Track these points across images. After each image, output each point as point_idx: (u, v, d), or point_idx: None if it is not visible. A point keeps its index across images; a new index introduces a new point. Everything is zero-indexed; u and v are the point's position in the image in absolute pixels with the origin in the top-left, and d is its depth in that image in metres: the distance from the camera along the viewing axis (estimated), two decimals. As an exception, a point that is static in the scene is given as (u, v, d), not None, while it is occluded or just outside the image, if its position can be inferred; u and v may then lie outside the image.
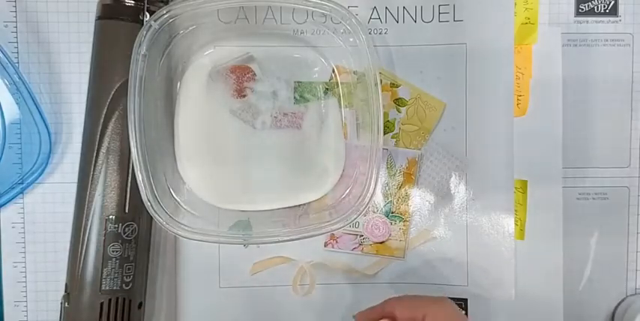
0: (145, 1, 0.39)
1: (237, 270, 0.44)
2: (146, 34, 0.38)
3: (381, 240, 0.44)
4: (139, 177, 0.38)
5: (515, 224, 0.44)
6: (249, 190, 0.43)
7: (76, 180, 0.40)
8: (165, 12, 0.40)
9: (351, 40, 0.42)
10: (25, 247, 0.44)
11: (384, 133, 0.44)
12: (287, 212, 0.43)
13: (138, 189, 0.38)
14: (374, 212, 0.44)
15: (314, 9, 0.40)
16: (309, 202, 0.43)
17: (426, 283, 0.44)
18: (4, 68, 0.42)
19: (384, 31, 0.43)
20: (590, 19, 0.45)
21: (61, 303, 0.39)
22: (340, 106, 0.43)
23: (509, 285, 0.44)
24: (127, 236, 0.39)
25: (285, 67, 0.43)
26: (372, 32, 0.43)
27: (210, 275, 0.43)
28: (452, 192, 0.44)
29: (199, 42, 0.43)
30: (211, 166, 0.43)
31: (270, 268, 0.44)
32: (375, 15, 0.43)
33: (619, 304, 0.46)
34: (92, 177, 0.39)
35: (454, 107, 0.43)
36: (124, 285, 0.39)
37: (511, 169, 0.43)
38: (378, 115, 0.39)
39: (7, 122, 0.43)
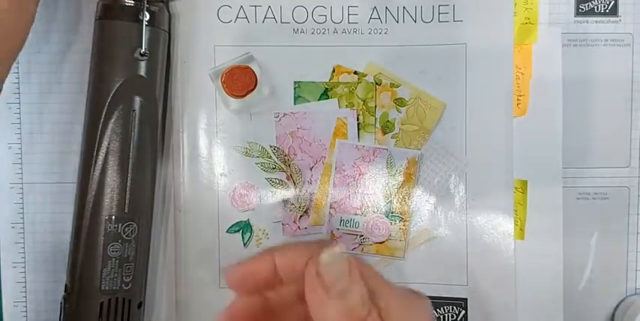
0: (145, 1, 0.39)
1: (237, 270, 0.43)
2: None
3: (381, 240, 0.44)
4: None
5: (515, 224, 0.44)
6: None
7: (76, 180, 0.40)
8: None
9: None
10: (24, 247, 0.44)
11: (384, 133, 0.44)
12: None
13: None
14: (374, 212, 0.44)
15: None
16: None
17: (426, 283, 0.44)
18: None
19: (384, 31, 0.43)
20: (590, 19, 0.45)
21: (61, 303, 0.39)
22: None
23: (510, 285, 0.43)
24: (126, 236, 0.39)
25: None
26: (372, 32, 0.43)
27: (210, 275, 0.43)
28: (452, 192, 0.44)
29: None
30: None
31: (270, 268, 0.44)
32: (375, 15, 0.43)
33: (619, 304, 0.45)
34: (92, 177, 0.39)
35: (454, 107, 0.43)
36: (123, 285, 0.39)
37: (511, 169, 0.43)
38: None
39: (7, 123, 0.43)
